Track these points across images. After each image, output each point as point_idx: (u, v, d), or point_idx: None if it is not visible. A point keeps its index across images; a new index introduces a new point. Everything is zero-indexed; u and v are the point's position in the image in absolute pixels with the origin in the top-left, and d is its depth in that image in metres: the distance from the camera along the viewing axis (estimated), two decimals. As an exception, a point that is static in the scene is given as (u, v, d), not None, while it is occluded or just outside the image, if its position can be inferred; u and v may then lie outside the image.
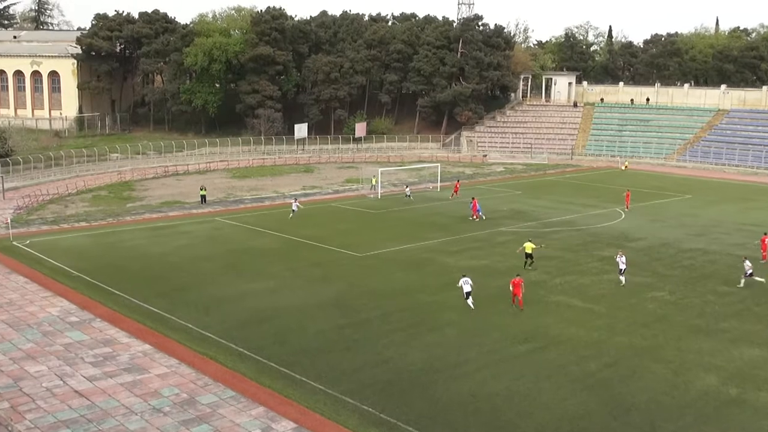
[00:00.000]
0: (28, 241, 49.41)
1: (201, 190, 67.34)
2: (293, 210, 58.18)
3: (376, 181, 74.47)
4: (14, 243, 48.86)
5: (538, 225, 56.90)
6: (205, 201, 66.79)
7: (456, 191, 71.78)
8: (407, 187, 71.48)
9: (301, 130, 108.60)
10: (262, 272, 42.29)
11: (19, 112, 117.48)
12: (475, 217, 58.36)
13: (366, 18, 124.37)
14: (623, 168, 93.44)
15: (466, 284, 35.46)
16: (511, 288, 35.92)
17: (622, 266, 39.65)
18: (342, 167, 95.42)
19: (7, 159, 78.38)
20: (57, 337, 31.25)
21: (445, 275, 41.28)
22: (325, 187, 78.38)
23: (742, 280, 39.08)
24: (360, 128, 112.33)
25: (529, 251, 43.30)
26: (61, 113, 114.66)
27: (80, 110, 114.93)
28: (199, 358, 29.06)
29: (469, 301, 35.26)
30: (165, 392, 25.96)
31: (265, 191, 74.77)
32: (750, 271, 39.20)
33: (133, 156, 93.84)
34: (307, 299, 36.94)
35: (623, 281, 39.34)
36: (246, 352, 29.62)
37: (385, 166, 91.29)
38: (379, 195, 71.64)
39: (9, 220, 53.47)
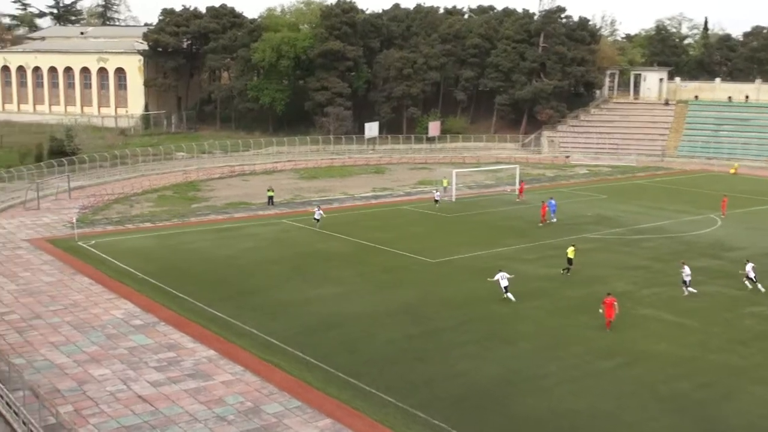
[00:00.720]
0: (93, 242, 51.09)
1: (268, 191, 68.41)
2: (316, 219, 55.95)
3: (449, 183, 74.29)
4: (79, 243, 50.58)
5: (626, 231, 55.82)
6: (272, 202, 67.79)
7: (521, 193, 71.24)
8: (436, 191, 68.84)
9: (371, 129, 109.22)
10: (330, 277, 42.68)
11: (86, 109, 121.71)
12: (543, 222, 57.78)
13: (441, 11, 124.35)
14: (732, 172, 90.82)
15: (503, 279, 37.30)
16: (601, 310, 34.41)
17: (687, 278, 38.84)
18: (414, 168, 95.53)
19: (74, 158, 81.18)
20: (121, 340, 32.21)
21: (521, 284, 40.86)
22: (396, 189, 78.58)
23: (685, 290, 38.99)
24: (433, 127, 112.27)
25: (571, 256, 43.22)
26: (126, 111, 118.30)
27: (146, 108, 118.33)
28: (265, 365, 29.51)
29: (509, 295, 37.04)
30: (229, 400, 26.46)
31: (333, 193, 75.46)
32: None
33: (198, 155, 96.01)
34: (376, 306, 37.12)
35: (686, 292, 38.49)
36: (313, 361, 29.94)
37: (460, 167, 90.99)
38: (453, 198, 71.46)
39: (74, 220, 55.41)
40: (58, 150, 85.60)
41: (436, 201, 66.49)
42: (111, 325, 34.10)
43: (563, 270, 43.35)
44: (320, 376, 28.47)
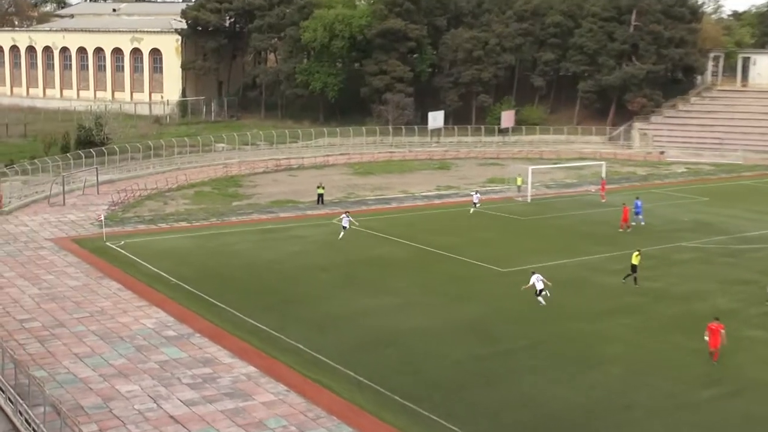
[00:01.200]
0: (122, 242, 52.01)
1: (318, 188, 68.80)
2: (344, 227, 53.27)
3: (523, 182, 73.69)
4: (107, 243, 51.52)
5: (729, 240, 54.59)
6: (322, 201, 68.11)
7: (602, 192, 70.37)
8: (476, 193, 66.55)
9: (436, 118, 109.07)
10: (387, 287, 42.66)
11: (117, 95, 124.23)
12: (625, 227, 56.93)
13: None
14: None
15: (538, 281, 39.07)
16: (706, 337, 32.87)
17: None
18: (484, 164, 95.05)
19: (103, 148, 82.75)
20: (152, 352, 32.66)
21: (607, 299, 40.27)
22: (463, 187, 78.24)
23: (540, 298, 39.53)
24: (507, 117, 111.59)
25: (635, 262, 43.04)
26: (162, 97, 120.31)
27: (183, 93, 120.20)
28: (311, 385, 29.59)
29: (540, 298, 38.88)
30: (271, 423, 26.58)
31: (391, 191, 75.52)
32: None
33: (241, 147, 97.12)
34: (438, 321, 36.97)
35: None
36: (365, 381, 29.91)
37: (537, 163, 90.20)
38: (529, 198, 70.87)
39: (103, 218, 56.33)
40: (87, 140, 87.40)
41: (475, 204, 64.23)
42: (141, 335, 34.61)
43: (625, 278, 43.35)
44: (374, 399, 28.42)
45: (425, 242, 52.93)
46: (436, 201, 71.09)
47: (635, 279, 43.02)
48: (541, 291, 39.02)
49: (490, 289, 42.46)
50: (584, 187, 77.28)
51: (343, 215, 53.99)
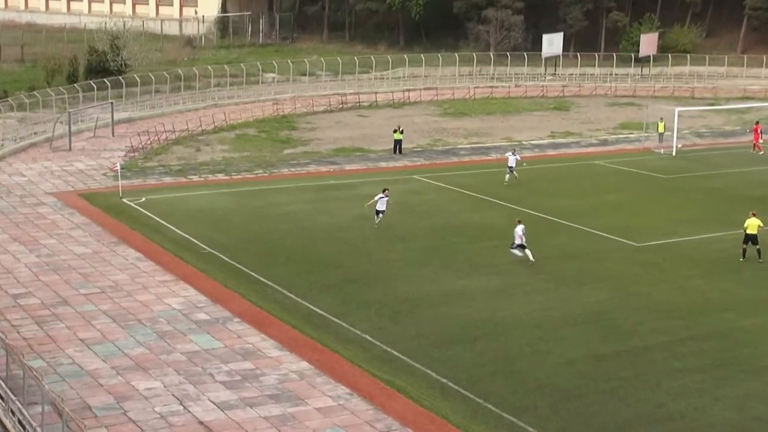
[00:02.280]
0: (143, 199, 52.88)
1: (395, 132, 68.81)
2: (379, 210, 47.57)
3: (667, 129, 72.55)
4: (124, 200, 52.46)
5: None
6: (400, 150, 68.11)
7: (756, 141, 69.07)
8: (513, 153, 60.16)
9: (552, 43, 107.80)
10: (482, 263, 42.59)
11: (139, 9, 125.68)
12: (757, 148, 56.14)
13: None
14: None
15: (518, 235, 42.16)
16: None
17: None
18: (614, 104, 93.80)
19: (120, 78, 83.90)
20: (178, 340, 33.17)
21: (778, 285, 39.70)
22: (586, 134, 77.44)
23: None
24: (647, 42, 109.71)
25: (753, 231, 42.91)
26: (196, 12, 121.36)
27: (223, 8, 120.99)
28: (381, 387, 29.75)
29: (517, 252, 41.61)
30: (328, 435, 26.94)
31: (492, 138, 75.18)
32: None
33: (296, 78, 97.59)
34: (549, 310, 36.82)
35: None
36: (450, 385, 29.96)
37: (686, 104, 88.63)
38: (674, 151, 69.81)
39: (119, 168, 56.88)
40: (99, 66, 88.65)
41: (510, 169, 58.35)
42: (164, 318, 35.19)
43: (743, 256, 43.29)
44: (461, 408, 28.45)
45: (535, 206, 52.65)
46: (551, 152, 70.52)
47: (759, 252, 43.10)
48: (519, 246, 41.86)
49: (618, 269, 42.09)
50: (749, 136, 75.73)
51: (381, 195, 47.62)
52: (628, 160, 66.78)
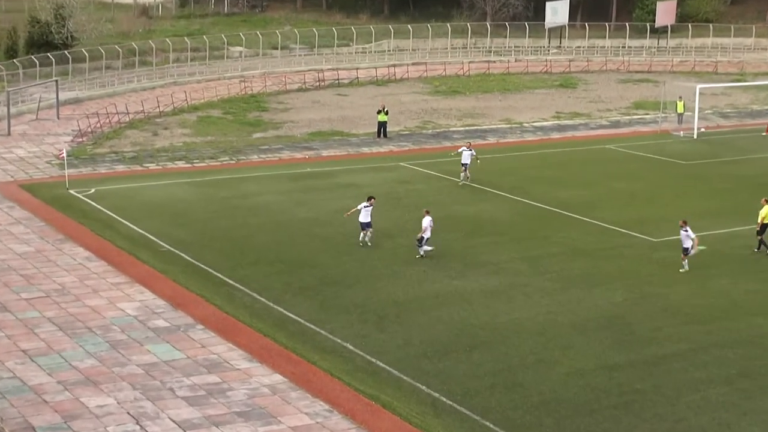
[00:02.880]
0: (92, 190, 52.74)
1: (379, 113, 68.75)
2: (364, 225, 44.39)
3: (687, 108, 72.69)
4: (72, 192, 52.33)
5: None
6: (385, 133, 68.07)
7: None
8: (468, 148, 56.48)
9: (556, 11, 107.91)
10: (479, 261, 42.63)
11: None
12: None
13: None
14: None
15: (686, 239, 41.46)
16: None
17: None
18: (628, 81, 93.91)
19: (66, 52, 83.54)
20: (134, 351, 32.99)
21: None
22: (595, 115, 77.54)
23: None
24: (665, 10, 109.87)
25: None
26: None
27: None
28: (364, 403, 29.66)
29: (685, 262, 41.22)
30: (304, 458, 26.91)
31: (488, 119, 75.21)
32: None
33: (266, 52, 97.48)
34: (555, 314, 36.82)
35: None
36: (443, 400, 29.91)
37: (708, 80, 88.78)
38: (695, 133, 69.93)
39: (65, 155, 56.63)
40: (42, 39, 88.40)
41: (464, 167, 55.37)
42: (118, 326, 35.03)
43: (757, 247, 44.25)
44: (456, 426, 28.38)
45: (538, 196, 52.75)
46: (555, 135, 70.58)
47: (761, 243, 44.06)
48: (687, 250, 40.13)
49: (633, 268, 42.16)
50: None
51: (365, 204, 44.50)
52: (643, 144, 66.89)
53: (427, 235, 42.43)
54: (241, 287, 39.10)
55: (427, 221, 42.46)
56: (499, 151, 64.19)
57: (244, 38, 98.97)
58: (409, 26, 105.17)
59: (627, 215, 49.61)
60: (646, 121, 75.72)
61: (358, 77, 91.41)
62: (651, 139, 68.62)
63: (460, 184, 54.11)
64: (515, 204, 51.33)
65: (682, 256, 41.27)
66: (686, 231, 41.16)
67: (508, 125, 73.34)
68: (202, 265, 41.56)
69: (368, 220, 44.10)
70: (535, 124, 74.23)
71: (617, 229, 47.53)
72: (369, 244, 44.27)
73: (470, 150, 55.59)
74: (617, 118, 77.49)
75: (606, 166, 61.12)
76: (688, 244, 41.07)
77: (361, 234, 44.35)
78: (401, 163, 60.27)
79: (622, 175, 58.58)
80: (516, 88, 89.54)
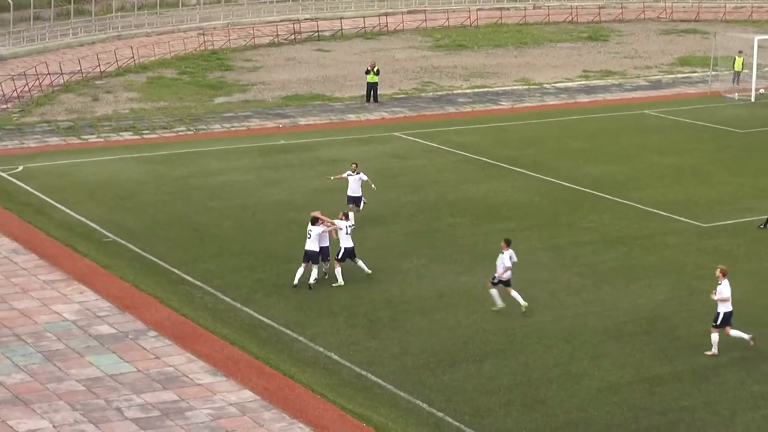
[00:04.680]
0: (20, 168, 52.71)
1: (369, 73, 68.65)
2: (346, 254, 39.93)
3: (743, 65, 72.70)
4: (-5, 170, 52.41)
5: None
6: (375, 97, 68.04)
7: None
8: (355, 169, 47.05)
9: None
10: (491, 252, 42.19)
11: None
12: None
13: None
14: None
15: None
16: None
17: None
18: (671, 32, 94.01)
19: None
20: (72, 363, 32.93)
21: None
22: (631, 74, 77.60)
23: None
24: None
25: None
26: None
27: None
28: (353, 425, 29.65)
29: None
30: (281, 492, 27.03)
31: (501, 79, 75.25)
32: None
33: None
34: (585, 316, 36.93)
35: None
36: (448, 420, 29.94)
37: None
38: (753, 95, 69.94)
39: (-14, 125, 57.05)
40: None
41: (354, 202, 45.97)
42: (53, 333, 34.98)
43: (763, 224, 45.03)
44: (465, 453, 28.64)
45: (563, 173, 52.91)
46: (583, 99, 70.67)
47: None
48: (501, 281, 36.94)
49: (679, 259, 42.33)
50: None
51: (344, 222, 40.26)
52: (689, 108, 66.97)
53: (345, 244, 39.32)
54: (201, 285, 39.19)
55: (344, 224, 39.25)
56: (515, 118, 64.21)
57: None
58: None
59: (671, 195, 49.71)
60: (692, 81, 75.82)
61: (342, 29, 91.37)
62: (699, 103, 68.69)
63: (349, 229, 40.30)
64: (535, 182, 51.38)
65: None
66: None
67: (526, 87, 73.38)
68: (155, 259, 41.63)
69: (350, 244, 40.01)
70: (558, 85, 74.27)
71: (659, 212, 47.65)
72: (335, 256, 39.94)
73: (358, 174, 46.01)
74: (658, 77, 77.56)
75: (644, 136, 61.14)
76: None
77: (336, 272, 39.64)
78: (395, 134, 60.27)
79: (665, 147, 58.65)
80: (534, 41, 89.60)
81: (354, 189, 44.78)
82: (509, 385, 31.99)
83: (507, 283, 36.80)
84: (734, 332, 34.24)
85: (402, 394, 31.39)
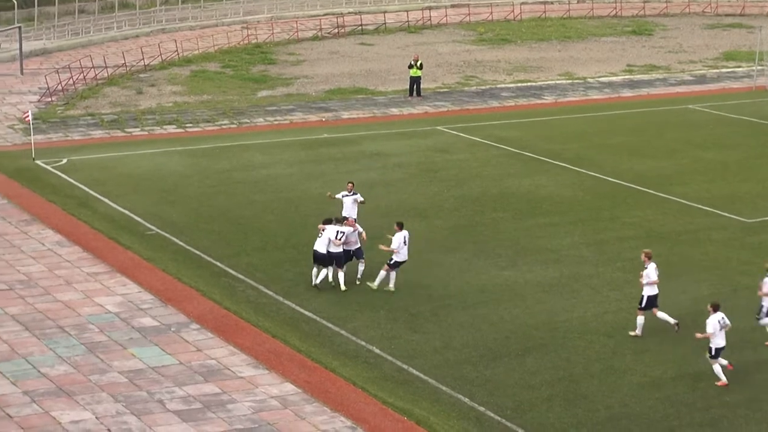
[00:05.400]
0: (64, 161, 52.91)
1: (412, 68, 68.53)
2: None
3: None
4: (39, 163, 52.52)
5: None
6: (418, 91, 67.96)
7: None
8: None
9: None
10: (534, 247, 42.59)
11: None
12: None
13: None
14: None
15: None
16: None
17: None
18: (716, 26, 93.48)
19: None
20: (115, 355, 33.09)
21: None
22: (676, 68, 77.25)
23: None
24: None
25: None
26: None
27: None
28: (395, 419, 29.66)
29: None
30: (322, 485, 27.05)
31: (545, 74, 75.00)
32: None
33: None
34: (627, 311, 36.62)
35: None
36: (490, 415, 29.95)
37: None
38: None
39: (30, 118, 56.26)
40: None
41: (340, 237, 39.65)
42: (96, 325, 35.13)
43: None
44: (506, 448, 28.59)
45: (606, 168, 52.71)
46: (627, 93, 70.41)
47: None
48: None
49: (723, 255, 42.15)
50: None
51: (335, 227, 38.52)
52: (734, 104, 66.60)
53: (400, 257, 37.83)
54: (244, 278, 39.26)
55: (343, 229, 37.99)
56: (559, 112, 64.03)
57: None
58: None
59: (715, 191, 49.49)
60: (737, 76, 75.39)
61: (385, 23, 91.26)
62: (744, 98, 68.32)
63: (335, 285, 38.60)
64: (578, 177, 51.24)
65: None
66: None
67: (569, 81, 73.15)
68: (198, 252, 41.72)
69: (354, 216, 39.80)
70: (601, 79, 73.97)
71: (703, 207, 47.42)
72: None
73: (354, 195, 42.49)
74: (703, 71, 77.16)
75: (689, 131, 60.87)
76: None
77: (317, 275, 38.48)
78: (438, 128, 60.19)
79: (709, 142, 58.39)
80: (578, 35, 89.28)
81: (349, 210, 41.23)
82: (551, 380, 31.98)
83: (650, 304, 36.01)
84: (661, 314, 34.96)
85: (444, 388, 31.40)
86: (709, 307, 32.78)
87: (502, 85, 71.92)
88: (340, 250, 38.12)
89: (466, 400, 30.72)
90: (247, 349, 33.61)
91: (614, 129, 60.80)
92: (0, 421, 28.84)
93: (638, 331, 34.70)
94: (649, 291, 34.92)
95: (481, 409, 30.22)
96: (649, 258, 34.96)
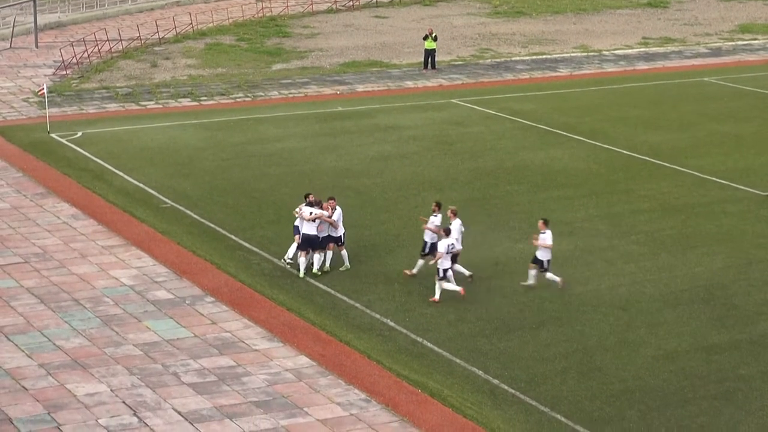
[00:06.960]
0: (79, 134, 52.97)
1: (426, 40, 68.45)
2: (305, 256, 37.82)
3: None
4: (54, 136, 52.60)
5: None
6: (433, 64, 67.88)
7: None
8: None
9: None
10: (549, 219, 42.51)
11: None
12: None
13: None
14: None
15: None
16: None
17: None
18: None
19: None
20: (130, 328, 33.23)
21: None
22: (691, 41, 77.02)
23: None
24: None
25: None
26: None
27: None
28: (409, 391, 29.77)
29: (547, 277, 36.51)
30: (337, 458, 27.08)
31: (560, 46, 74.86)
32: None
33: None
34: (642, 284, 36.81)
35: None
36: (504, 387, 30.02)
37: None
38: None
39: (45, 91, 56.33)
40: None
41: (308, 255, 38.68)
42: (111, 298, 35.30)
43: None
44: (520, 419, 28.47)
45: (621, 141, 52.69)
46: (642, 66, 70.24)
47: None
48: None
49: (738, 228, 42.10)
50: None
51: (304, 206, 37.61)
52: (750, 76, 66.41)
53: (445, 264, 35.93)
54: (258, 251, 39.38)
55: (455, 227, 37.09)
56: (574, 85, 63.92)
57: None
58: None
59: (730, 164, 49.43)
60: (753, 48, 75.14)
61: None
62: (760, 71, 68.11)
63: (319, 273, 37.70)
64: (593, 150, 51.19)
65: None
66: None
67: (584, 54, 72.96)
68: (212, 225, 41.84)
69: (314, 232, 37.04)
70: (617, 52, 73.80)
71: (718, 180, 47.37)
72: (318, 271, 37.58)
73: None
74: (718, 44, 76.92)
75: (704, 104, 60.76)
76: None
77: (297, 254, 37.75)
78: (453, 101, 60.15)
79: (725, 115, 58.27)
80: (593, 7, 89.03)
81: (308, 228, 36.98)
82: (565, 353, 32.05)
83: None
84: (549, 275, 36.02)
85: (458, 360, 31.47)
86: (540, 224, 35.83)
87: (517, 58, 71.79)
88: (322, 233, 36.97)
89: (480, 372, 30.78)
90: (261, 322, 33.72)
91: (629, 102, 60.68)
92: (16, 394, 28.99)
93: (531, 281, 36.46)
94: (544, 255, 36.20)
95: (495, 381, 30.28)
96: (546, 224, 36.14)
